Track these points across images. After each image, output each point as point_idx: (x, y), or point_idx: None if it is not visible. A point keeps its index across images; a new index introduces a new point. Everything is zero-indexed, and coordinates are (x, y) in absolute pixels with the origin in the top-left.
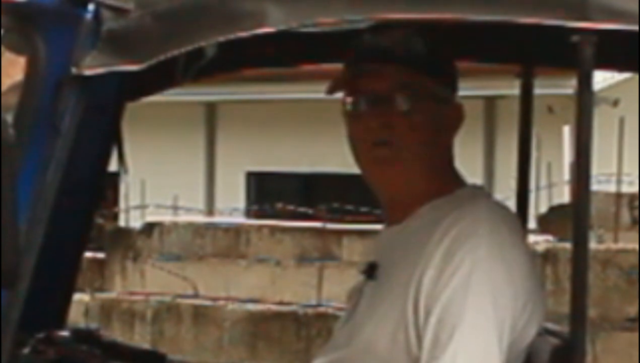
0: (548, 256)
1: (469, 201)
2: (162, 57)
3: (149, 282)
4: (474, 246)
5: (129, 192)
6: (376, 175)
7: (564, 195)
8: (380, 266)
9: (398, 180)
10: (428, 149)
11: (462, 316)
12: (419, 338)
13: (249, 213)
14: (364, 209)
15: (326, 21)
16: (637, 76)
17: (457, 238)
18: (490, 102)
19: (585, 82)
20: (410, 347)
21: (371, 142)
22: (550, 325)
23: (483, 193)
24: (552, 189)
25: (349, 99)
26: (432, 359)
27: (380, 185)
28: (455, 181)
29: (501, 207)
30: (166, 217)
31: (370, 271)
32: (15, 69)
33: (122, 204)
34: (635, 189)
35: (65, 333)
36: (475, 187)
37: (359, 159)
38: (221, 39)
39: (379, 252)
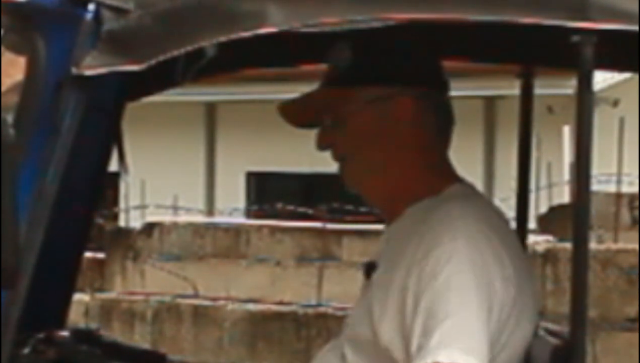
0: (548, 256)
1: (449, 202)
2: (162, 57)
3: (149, 282)
4: (450, 251)
5: (129, 192)
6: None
7: (564, 195)
8: (378, 266)
9: (368, 188)
10: (386, 154)
11: (447, 313)
12: (405, 343)
13: (249, 214)
14: (364, 209)
15: (327, 21)
16: (637, 76)
17: (433, 241)
18: (490, 102)
19: (585, 82)
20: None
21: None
22: (550, 325)
23: (468, 193)
24: (552, 189)
25: None
26: (419, 348)
27: (357, 192)
28: (444, 180)
29: (485, 208)
30: (166, 217)
31: (368, 270)
32: (15, 69)
33: (122, 204)
34: (635, 189)
35: (65, 333)
36: (463, 186)
37: None
38: (221, 39)
39: (378, 251)
